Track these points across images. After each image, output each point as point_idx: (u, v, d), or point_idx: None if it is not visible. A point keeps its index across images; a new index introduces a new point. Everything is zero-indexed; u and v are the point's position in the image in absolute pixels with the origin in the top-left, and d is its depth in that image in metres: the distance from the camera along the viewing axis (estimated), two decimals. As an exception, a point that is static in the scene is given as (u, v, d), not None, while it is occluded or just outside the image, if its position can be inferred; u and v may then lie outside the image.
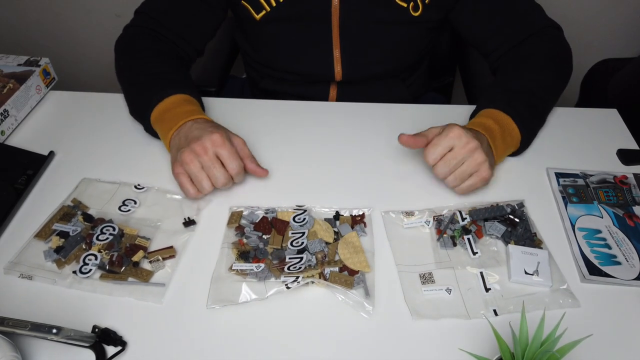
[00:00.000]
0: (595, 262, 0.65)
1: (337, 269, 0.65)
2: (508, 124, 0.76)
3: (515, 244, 0.66)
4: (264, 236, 0.69)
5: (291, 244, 0.67)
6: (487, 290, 0.62)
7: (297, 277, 0.63)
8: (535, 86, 0.81)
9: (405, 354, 0.57)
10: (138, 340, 0.58)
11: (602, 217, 0.71)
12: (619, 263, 0.65)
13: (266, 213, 0.71)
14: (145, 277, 0.64)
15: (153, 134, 0.81)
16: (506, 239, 0.68)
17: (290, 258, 0.65)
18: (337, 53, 0.92)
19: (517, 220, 0.69)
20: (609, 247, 0.67)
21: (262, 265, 0.64)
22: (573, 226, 0.70)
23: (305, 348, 0.58)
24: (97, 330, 0.57)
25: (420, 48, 0.98)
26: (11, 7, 1.68)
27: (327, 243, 0.68)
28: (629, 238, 0.68)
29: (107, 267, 0.64)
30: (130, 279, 0.63)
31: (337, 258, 0.66)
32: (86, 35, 1.72)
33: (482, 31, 0.91)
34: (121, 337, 0.57)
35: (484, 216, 0.70)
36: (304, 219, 0.70)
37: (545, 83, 0.83)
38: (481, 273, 0.64)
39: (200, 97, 0.83)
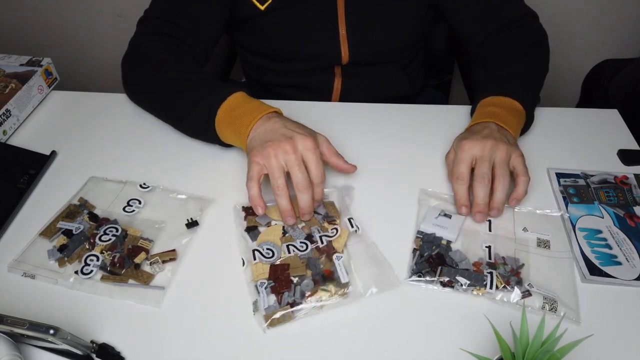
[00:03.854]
0: (596, 262, 0.65)
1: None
2: (509, 103, 0.78)
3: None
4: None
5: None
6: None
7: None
8: (522, 68, 0.84)
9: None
10: (137, 352, 0.57)
11: (603, 217, 0.71)
12: (619, 263, 0.65)
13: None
14: (145, 279, 0.63)
15: (210, 140, 0.78)
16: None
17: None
18: (342, 30, 0.93)
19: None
20: (610, 247, 0.67)
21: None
22: (574, 226, 0.70)
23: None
24: (94, 345, 0.55)
25: (420, 27, 1.00)
26: (13, 8, 1.68)
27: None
28: (629, 238, 0.68)
29: (109, 268, 0.64)
30: (130, 281, 0.63)
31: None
32: (88, 35, 1.73)
33: (463, 17, 0.95)
34: (119, 352, 0.56)
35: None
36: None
37: (530, 64, 0.86)
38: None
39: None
